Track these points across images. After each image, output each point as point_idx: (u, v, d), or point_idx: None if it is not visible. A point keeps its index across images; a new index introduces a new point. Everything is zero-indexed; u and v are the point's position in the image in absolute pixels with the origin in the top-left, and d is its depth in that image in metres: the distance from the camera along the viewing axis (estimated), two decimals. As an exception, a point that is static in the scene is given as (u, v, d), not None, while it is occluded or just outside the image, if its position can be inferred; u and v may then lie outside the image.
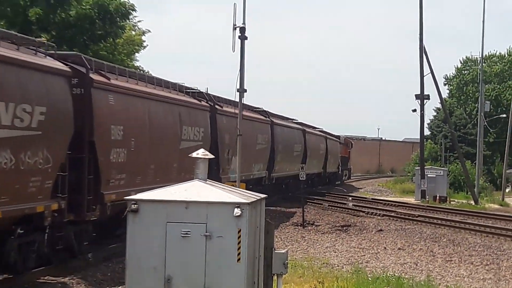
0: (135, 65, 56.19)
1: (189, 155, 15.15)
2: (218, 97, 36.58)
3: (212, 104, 33.92)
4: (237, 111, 28.47)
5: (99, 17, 40.29)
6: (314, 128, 70.30)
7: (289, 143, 52.81)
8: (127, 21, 47.44)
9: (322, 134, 72.68)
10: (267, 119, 46.68)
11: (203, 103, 32.46)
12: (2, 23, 37.69)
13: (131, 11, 43.45)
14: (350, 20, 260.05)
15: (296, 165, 51.56)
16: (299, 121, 62.46)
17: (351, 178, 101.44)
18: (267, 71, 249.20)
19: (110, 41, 44.67)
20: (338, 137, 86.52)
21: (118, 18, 41.90)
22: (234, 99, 29.30)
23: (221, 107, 35.15)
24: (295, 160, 53.99)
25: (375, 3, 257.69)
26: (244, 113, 31.48)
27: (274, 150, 46.77)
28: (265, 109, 47.44)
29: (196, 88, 32.99)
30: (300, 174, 42.74)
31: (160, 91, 27.19)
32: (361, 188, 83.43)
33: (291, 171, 52.70)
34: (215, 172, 30.85)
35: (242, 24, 26.43)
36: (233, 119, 32.58)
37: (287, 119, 57.59)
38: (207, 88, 36.77)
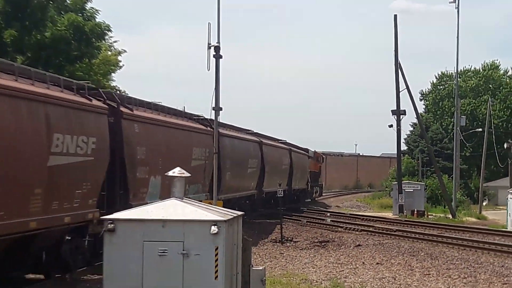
0: (111, 85, 56.17)
1: (165, 173, 15.19)
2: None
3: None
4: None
5: (75, 38, 40.28)
6: (274, 139, 62.49)
7: (242, 157, 44.34)
8: (103, 41, 47.48)
9: (285, 146, 64.72)
10: (208, 129, 35.04)
11: (208, 128, 35.11)
12: None
13: (106, 31, 43.50)
14: (326, 39, 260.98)
15: (251, 183, 47.90)
16: (255, 131, 54.00)
17: (323, 195, 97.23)
18: (244, 91, 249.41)
19: (86, 61, 44.68)
20: (306, 150, 78.85)
21: (93, 39, 41.90)
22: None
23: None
24: (249, 178, 47.39)
25: (351, 23, 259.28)
26: (178, 121, 31.33)
27: (220, 167, 36.70)
28: (207, 117, 36.10)
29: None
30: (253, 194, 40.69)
31: (173, 119, 31.12)
32: (329, 207, 77.53)
33: (244, 191, 46.70)
34: (122, 197, 24.76)
35: (217, 43, 26.54)
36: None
37: (240, 129, 48.77)
38: (184, 107, 36.96)
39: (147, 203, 18.46)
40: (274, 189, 51.68)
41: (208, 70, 26.51)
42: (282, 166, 59.80)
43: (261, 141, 52.33)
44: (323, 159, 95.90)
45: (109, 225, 13.38)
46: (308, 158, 77.83)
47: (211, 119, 33.64)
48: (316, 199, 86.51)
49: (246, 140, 47.60)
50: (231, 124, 45.71)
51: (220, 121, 34.38)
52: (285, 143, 65.40)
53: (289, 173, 63.24)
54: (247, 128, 51.61)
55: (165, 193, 24.22)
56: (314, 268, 29.09)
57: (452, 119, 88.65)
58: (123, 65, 59.91)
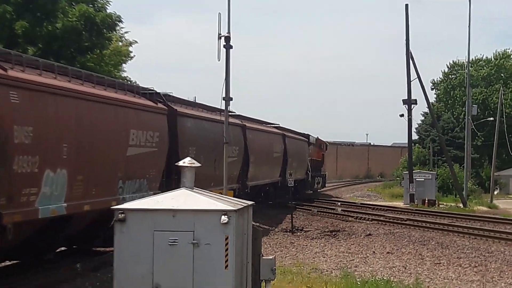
0: (122, 75, 56.23)
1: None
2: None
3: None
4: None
5: (86, 29, 40.30)
6: (263, 123, 53.27)
7: (213, 144, 33.29)
8: (114, 32, 47.49)
9: (277, 131, 55.22)
10: (161, 106, 27.73)
11: (160, 105, 28.19)
12: None
13: (117, 22, 43.48)
14: (337, 28, 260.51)
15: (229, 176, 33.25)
16: (237, 113, 42.87)
17: (327, 185, 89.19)
18: (255, 81, 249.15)
19: (97, 52, 44.74)
20: (306, 136, 69.07)
21: (104, 30, 41.92)
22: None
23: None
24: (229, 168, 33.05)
25: (362, 12, 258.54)
26: (100, 92, 22.43)
27: (179, 155, 26.59)
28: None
29: (152, 89, 28.86)
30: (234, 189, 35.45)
31: (92, 89, 25.33)
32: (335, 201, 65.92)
33: (219, 186, 31.28)
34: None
35: (227, 33, 26.56)
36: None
37: (215, 110, 36.94)
38: (195, 97, 36.52)
39: (38, 210, 18.28)
40: (262, 181, 47.61)
41: (219, 60, 26.53)
42: (273, 154, 51.50)
43: (244, 125, 42.89)
44: (326, 147, 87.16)
45: (119, 215, 13.44)
46: (308, 145, 69.22)
47: (167, 94, 29.19)
48: (318, 190, 78.82)
49: (222, 123, 32.31)
50: (203, 103, 37.15)
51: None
52: (278, 127, 56.78)
53: (283, 161, 54.48)
54: (230, 110, 37.10)
55: (77, 193, 20.16)
56: (324, 257, 29.18)
57: (464, 108, 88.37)
58: (134, 55, 60.00)
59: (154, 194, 23.41)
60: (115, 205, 18.23)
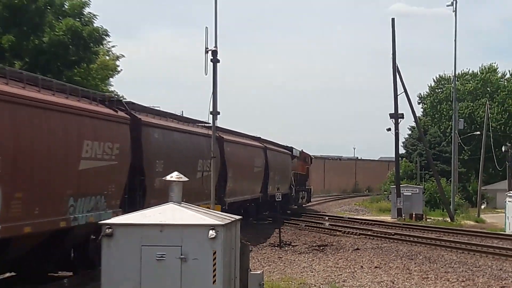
0: (109, 89, 56.11)
1: (162, 178, 15.19)
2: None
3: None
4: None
5: (73, 43, 40.17)
6: (243, 136, 49.30)
7: (187, 157, 31.11)
8: (101, 46, 47.41)
9: (258, 144, 51.97)
10: (122, 115, 25.41)
11: (123, 114, 26.02)
12: None
13: (104, 36, 43.40)
14: (325, 41, 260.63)
15: (204, 192, 32.06)
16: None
17: (313, 200, 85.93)
18: (240, 94, 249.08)
19: (84, 66, 44.61)
20: (289, 149, 66.57)
21: (91, 44, 41.82)
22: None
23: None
24: (201, 184, 32.62)
25: (350, 25, 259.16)
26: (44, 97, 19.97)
27: (144, 171, 26.21)
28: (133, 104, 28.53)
29: (113, 95, 29.65)
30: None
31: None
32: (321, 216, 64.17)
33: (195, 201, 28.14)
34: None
35: (214, 47, 26.55)
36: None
37: (191, 121, 35.81)
38: (182, 112, 36.31)
39: None
40: (242, 197, 44.82)
41: (206, 74, 26.44)
42: (254, 168, 48.53)
43: (222, 137, 39.66)
44: (311, 160, 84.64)
45: (107, 229, 13.40)
46: (291, 158, 66.33)
47: (130, 102, 27.86)
48: (303, 205, 76.00)
49: (195, 134, 33.78)
50: (173, 113, 34.23)
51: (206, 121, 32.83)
52: (259, 139, 53.39)
53: (264, 176, 51.52)
54: (203, 121, 35.99)
55: (15, 213, 17.77)
56: (312, 272, 29.12)
57: (450, 122, 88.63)
58: (121, 69, 59.91)
59: (113, 212, 22.77)
60: (65, 226, 18.08)
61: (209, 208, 21.90)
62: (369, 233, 46.04)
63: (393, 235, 44.73)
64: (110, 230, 13.39)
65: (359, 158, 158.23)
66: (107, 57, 57.17)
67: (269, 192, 52.14)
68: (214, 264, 13.34)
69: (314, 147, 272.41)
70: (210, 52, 26.45)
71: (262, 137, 54.82)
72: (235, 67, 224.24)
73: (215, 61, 26.79)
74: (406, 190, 64.16)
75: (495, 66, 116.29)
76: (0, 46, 38.51)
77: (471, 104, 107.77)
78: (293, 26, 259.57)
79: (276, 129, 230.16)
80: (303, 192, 74.40)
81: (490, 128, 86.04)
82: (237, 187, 42.90)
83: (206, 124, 35.02)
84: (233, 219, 14.78)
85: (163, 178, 15.00)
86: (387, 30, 64.07)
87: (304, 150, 77.77)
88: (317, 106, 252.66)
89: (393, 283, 26.46)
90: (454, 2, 70.67)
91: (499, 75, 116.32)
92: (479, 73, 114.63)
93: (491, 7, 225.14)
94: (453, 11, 70.98)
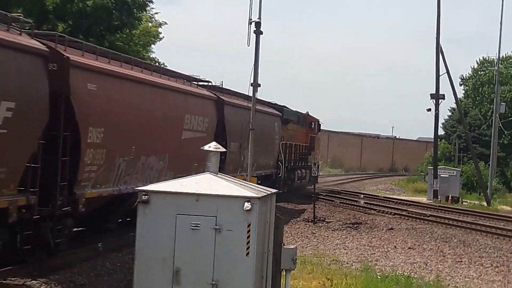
0: (151, 56, 56.36)
1: (201, 148, 15.21)
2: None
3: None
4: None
5: (116, 7, 40.45)
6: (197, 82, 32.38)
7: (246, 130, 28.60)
8: (144, 12, 47.57)
9: (208, 94, 31.55)
10: (211, 95, 28.12)
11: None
12: (19, 11, 37.92)
13: (148, 2, 43.63)
14: (367, 21, 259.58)
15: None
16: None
17: (319, 180, 65.10)
18: (282, 68, 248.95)
19: (126, 32, 44.94)
20: (275, 106, 47.69)
21: (135, 9, 42.07)
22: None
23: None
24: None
25: (392, 5, 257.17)
26: None
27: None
28: None
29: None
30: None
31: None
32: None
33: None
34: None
35: (258, 18, 26.48)
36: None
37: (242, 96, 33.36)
38: (222, 82, 36.26)
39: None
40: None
41: (248, 45, 26.48)
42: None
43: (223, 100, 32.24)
44: (319, 127, 63.17)
45: (143, 196, 13.45)
46: (282, 121, 47.20)
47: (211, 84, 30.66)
48: (307, 188, 56.90)
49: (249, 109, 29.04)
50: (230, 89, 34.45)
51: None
52: (211, 87, 33.59)
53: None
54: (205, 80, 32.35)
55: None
56: (345, 249, 29.15)
57: (492, 106, 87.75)
58: (163, 37, 60.07)
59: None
60: None
61: (245, 180, 21.95)
62: (404, 213, 45.92)
63: (428, 216, 44.56)
64: (146, 196, 13.40)
65: (397, 137, 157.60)
66: (150, 24, 57.33)
67: (230, 171, 30.98)
68: (248, 237, 13.27)
69: (351, 124, 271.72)
70: (253, 24, 26.41)
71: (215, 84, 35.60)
72: (278, 39, 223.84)
73: (258, 32, 26.76)
74: (443, 172, 63.75)
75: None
76: (45, 8, 38.77)
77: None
78: (338, 2, 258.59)
79: (316, 103, 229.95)
80: (302, 171, 54.88)
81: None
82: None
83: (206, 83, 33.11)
84: (269, 192, 14.77)
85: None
86: (431, 9, 63.71)
87: (310, 113, 60.37)
88: (357, 83, 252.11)
89: (426, 264, 26.42)
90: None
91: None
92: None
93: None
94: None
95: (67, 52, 19.60)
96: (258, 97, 30.62)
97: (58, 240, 19.79)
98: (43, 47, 18.24)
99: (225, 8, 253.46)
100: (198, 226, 13.27)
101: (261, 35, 27.18)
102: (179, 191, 13.57)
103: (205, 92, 30.51)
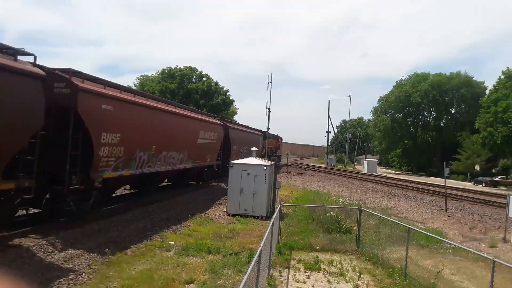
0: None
1: (251, 148, 14.42)
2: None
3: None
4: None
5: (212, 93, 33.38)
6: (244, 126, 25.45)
7: (247, 142, 23.22)
8: (230, 106, 40.15)
9: (218, 122, 19.62)
10: (220, 123, 19.67)
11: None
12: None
13: (231, 104, 37.46)
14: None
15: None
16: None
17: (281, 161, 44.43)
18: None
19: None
20: (263, 131, 30.95)
21: (222, 106, 35.07)
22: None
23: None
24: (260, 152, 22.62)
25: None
26: None
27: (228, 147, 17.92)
28: None
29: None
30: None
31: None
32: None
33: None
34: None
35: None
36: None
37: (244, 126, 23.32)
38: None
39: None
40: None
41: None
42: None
43: (228, 126, 21.56)
44: (281, 139, 44.90)
45: (230, 165, 13.14)
46: (263, 137, 30.57)
47: (221, 117, 22.42)
48: (279, 163, 39.21)
49: (249, 132, 24.33)
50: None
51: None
52: (221, 119, 22.20)
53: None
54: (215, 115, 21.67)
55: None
56: (297, 181, 27.09)
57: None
58: (237, 113, 52.37)
59: (216, 161, 19.09)
60: (190, 167, 15.63)
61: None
62: (317, 169, 42.36)
63: (324, 170, 40.75)
64: (232, 165, 13.16)
65: (314, 144, 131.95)
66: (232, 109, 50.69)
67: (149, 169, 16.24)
68: (265, 177, 13.00)
69: (295, 138, 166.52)
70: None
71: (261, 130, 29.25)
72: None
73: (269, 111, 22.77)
74: (330, 156, 56.47)
75: None
76: (166, 89, 32.60)
77: None
78: None
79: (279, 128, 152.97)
80: (275, 157, 40.38)
81: None
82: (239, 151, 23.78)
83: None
84: (273, 163, 14.34)
85: (251, 148, 14.49)
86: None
87: (279, 134, 47.06)
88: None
89: (323, 187, 23.59)
90: None
91: None
92: None
93: None
94: None
95: (81, 82, 9.81)
96: (250, 126, 26.59)
97: (79, 208, 10.24)
98: (40, 71, 8.55)
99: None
100: (249, 174, 13.02)
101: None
102: (242, 162, 13.30)
103: (216, 120, 20.12)
